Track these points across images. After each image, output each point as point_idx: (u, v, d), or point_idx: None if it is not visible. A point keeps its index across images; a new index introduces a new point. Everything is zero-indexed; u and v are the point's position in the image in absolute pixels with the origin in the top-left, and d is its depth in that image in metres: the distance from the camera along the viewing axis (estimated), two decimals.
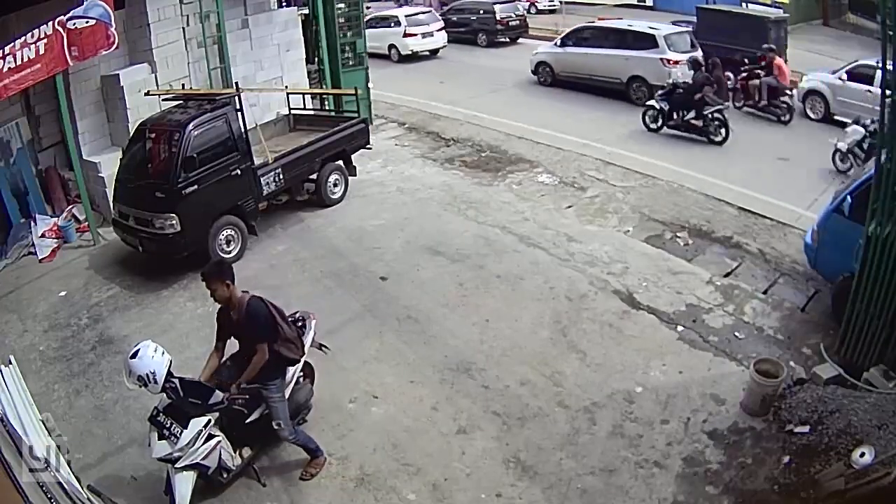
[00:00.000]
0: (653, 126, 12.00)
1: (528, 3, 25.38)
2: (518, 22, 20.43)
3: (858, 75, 11.55)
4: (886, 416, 4.71)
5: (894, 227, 5.11)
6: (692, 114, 11.44)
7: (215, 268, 4.57)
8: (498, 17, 19.98)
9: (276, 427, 4.67)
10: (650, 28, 14.15)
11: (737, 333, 6.37)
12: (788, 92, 12.43)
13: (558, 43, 15.51)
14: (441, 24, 19.43)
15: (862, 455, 4.31)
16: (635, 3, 25.24)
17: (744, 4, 17.31)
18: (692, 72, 11.61)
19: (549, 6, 25.62)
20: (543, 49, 15.89)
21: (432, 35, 19.03)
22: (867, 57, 11.62)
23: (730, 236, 8.21)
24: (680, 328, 6.47)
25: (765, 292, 7.04)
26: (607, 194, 9.50)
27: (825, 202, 7.25)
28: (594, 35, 14.93)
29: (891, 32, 5.01)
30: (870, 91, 10.90)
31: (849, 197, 6.02)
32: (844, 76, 11.85)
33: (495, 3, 20.12)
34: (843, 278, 6.06)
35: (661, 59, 13.24)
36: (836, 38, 18.81)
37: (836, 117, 11.91)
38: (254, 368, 4.54)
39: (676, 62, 12.85)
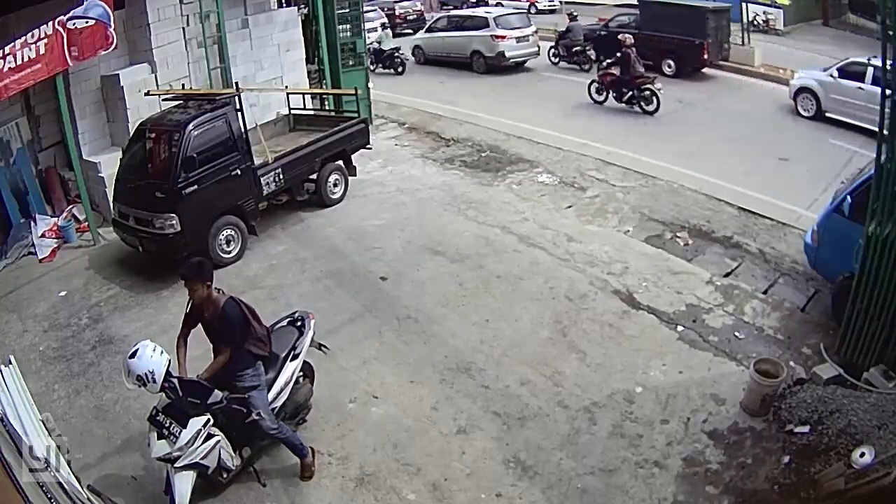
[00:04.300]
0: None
1: (528, 4, 25.39)
2: (415, 17, 24.15)
3: (850, 72, 11.54)
4: (886, 416, 4.71)
5: (894, 227, 5.11)
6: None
7: (195, 269, 4.52)
8: (397, 13, 24.07)
9: (255, 417, 4.60)
10: (485, 12, 18.16)
11: (737, 333, 6.37)
12: None
13: (425, 30, 19.08)
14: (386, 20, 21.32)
15: (862, 455, 4.30)
16: (635, 2, 25.16)
17: (744, 6, 17.28)
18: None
19: (549, 6, 25.65)
20: (418, 35, 19.39)
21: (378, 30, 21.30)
22: (860, 55, 11.61)
23: (730, 236, 8.21)
24: (680, 328, 6.47)
25: (765, 292, 7.04)
26: (607, 194, 9.49)
27: (825, 202, 7.26)
28: (449, 22, 18.51)
29: (891, 32, 5.01)
30: (861, 88, 10.90)
31: (849, 197, 6.01)
32: (836, 73, 11.83)
33: (396, 2, 24.84)
34: (843, 278, 6.05)
35: (491, 35, 16.67)
36: (835, 38, 18.76)
37: (827, 114, 11.89)
38: (216, 365, 4.59)
39: (503, 37, 16.46)
